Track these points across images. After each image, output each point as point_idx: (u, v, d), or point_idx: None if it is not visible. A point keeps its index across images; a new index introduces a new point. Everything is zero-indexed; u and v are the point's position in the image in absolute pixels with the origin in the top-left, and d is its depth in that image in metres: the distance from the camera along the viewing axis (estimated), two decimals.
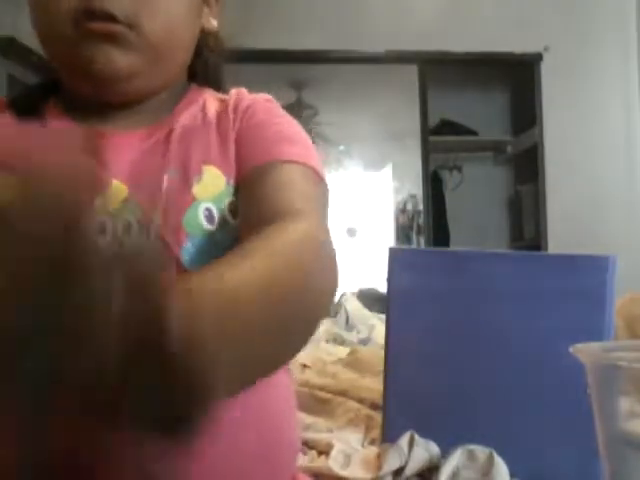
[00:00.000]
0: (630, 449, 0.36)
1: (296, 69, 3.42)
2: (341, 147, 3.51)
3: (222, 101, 0.66)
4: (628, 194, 3.51)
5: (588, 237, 3.30)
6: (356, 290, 2.75)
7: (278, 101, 0.69)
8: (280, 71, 3.35)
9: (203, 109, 0.65)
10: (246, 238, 0.47)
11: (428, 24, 3.42)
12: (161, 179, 0.59)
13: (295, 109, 3.35)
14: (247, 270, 0.37)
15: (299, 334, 0.42)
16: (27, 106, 0.63)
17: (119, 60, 0.56)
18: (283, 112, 0.67)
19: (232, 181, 0.61)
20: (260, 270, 0.38)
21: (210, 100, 0.66)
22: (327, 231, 0.54)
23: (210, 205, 0.59)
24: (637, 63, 3.52)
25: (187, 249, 0.57)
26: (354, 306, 1.97)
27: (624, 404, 0.37)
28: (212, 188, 0.60)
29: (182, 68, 0.66)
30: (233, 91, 0.67)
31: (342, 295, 2.05)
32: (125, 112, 0.63)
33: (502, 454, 0.66)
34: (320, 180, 0.61)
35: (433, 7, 3.47)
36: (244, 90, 0.68)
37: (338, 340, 1.76)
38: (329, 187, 0.63)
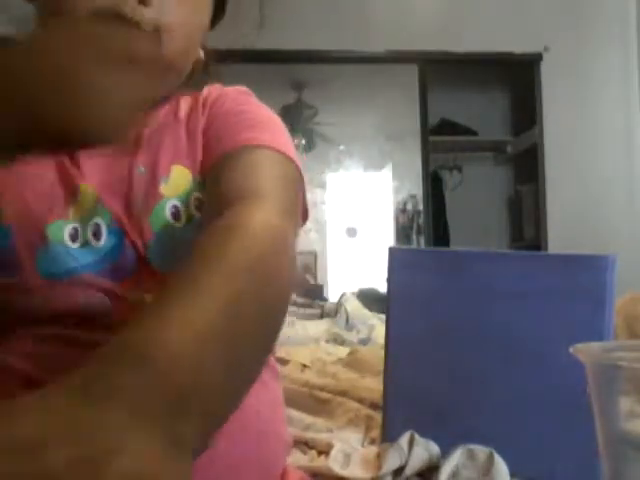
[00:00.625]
0: (630, 449, 0.36)
1: (296, 69, 3.42)
2: (341, 147, 3.51)
3: (194, 98, 0.67)
4: (628, 194, 3.51)
5: (588, 237, 3.30)
6: (356, 290, 2.75)
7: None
8: (280, 71, 3.35)
9: (176, 107, 0.66)
10: (206, 223, 0.48)
11: (428, 24, 3.42)
12: (130, 177, 0.60)
13: (295, 109, 3.35)
14: (209, 305, 0.38)
15: (263, 345, 0.44)
16: None
17: None
18: (254, 100, 0.67)
19: (198, 176, 0.61)
20: (220, 298, 0.39)
21: (183, 98, 0.67)
22: (287, 215, 0.54)
23: (176, 202, 0.60)
24: (637, 63, 3.52)
25: (152, 245, 0.58)
26: (354, 306, 1.98)
27: (624, 404, 0.37)
28: (179, 186, 0.60)
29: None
30: (206, 88, 0.68)
31: (342, 295, 2.06)
32: None
33: (502, 454, 0.66)
34: (290, 162, 0.61)
35: (433, 7, 3.47)
36: (218, 85, 0.69)
37: (338, 340, 1.76)
38: (301, 169, 0.62)
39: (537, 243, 3.46)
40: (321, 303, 2.21)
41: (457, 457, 0.67)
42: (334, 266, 3.47)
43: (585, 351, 0.39)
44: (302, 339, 1.66)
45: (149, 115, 0.64)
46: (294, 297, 2.09)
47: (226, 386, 0.37)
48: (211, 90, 0.67)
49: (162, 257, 0.58)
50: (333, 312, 1.97)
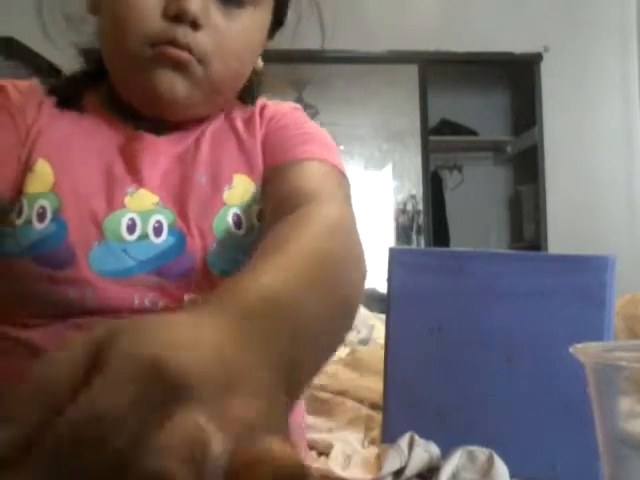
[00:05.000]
0: (630, 449, 0.36)
1: (296, 69, 3.42)
2: (341, 147, 3.51)
3: (247, 111, 0.69)
4: (628, 194, 3.51)
5: (588, 237, 3.30)
6: None
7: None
8: (280, 71, 3.35)
9: (229, 117, 0.68)
10: (272, 225, 0.50)
11: (428, 24, 3.42)
12: (192, 182, 0.62)
13: None
14: (290, 274, 0.36)
15: (341, 324, 0.43)
16: (67, 94, 0.66)
17: (181, 89, 0.59)
18: (307, 118, 0.70)
19: (258, 186, 0.64)
20: (299, 272, 0.37)
21: (235, 109, 0.69)
22: (352, 215, 0.57)
23: (238, 211, 0.62)
24: (637, 63, 3.52)
25: (214, 252, 0.60)
26: None
27: (624, 404, 0.37)
28: (241, 194, 0.63)
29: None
30: (260, 101, 0.71)
31: None
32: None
33: (502, 454, 0.66)
34: (342, 176, 0.65)
35: (433, 7, 3.47)
36: (269, 101, 0.71)
37: None
38: (351, 184, 0.66)
39: (537, 243, 3.45)
40: None
41: (457, 458, 0.66)
42: None
43: (585, 351, 0.38)
44: None
45: (205, 125, 0.66)
46: None
47: (323, 334, 0.34)
48: (266, 104, 0.70)
49: (222, 262, 0.60)
50: None
